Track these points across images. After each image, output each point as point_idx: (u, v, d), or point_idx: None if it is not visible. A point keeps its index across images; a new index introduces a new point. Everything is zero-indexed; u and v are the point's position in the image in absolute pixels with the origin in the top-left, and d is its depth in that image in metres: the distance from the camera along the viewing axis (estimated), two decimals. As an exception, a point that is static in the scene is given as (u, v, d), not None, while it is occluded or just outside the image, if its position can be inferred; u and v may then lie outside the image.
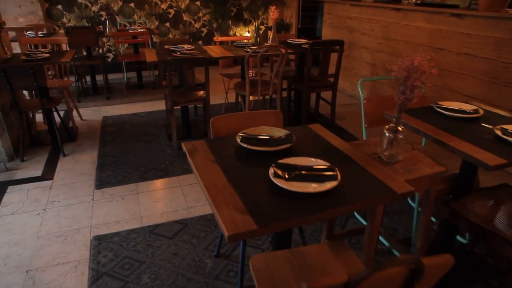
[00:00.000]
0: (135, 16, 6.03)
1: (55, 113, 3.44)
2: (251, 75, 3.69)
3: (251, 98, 3.46)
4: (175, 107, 3.21)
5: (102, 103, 4.67)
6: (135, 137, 3.64)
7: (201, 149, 1.47)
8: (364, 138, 2.26)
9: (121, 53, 5.42)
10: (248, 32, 6.83)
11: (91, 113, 4.31)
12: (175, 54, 3.23)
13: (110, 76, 5.73)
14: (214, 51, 3.50)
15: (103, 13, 5.84)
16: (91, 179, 2.89)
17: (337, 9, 5.11)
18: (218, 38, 4.04)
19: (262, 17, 6.86)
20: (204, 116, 3.42)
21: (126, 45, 5.52)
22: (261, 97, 3.51)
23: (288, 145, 1.46)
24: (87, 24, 5.83)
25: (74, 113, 4.14)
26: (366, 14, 4.53)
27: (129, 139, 3.58)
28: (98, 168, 3.03)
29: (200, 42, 6.53)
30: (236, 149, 1.48)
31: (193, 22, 6.37)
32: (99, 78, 5.29)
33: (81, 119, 4.11)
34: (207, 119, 3.33)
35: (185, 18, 6.31)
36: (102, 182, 2.84)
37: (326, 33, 5.44)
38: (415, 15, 3.78)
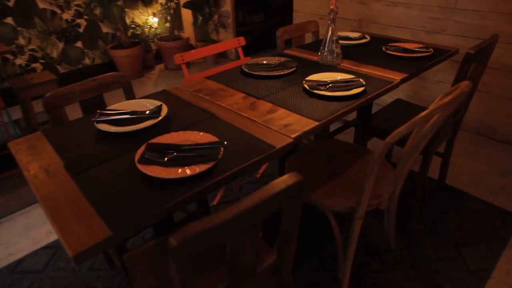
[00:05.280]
0: None
1: None
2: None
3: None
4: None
5: None
6: None
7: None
8: None
9: None
10: (154, 15, 4.31)
11: None
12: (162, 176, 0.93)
13: None
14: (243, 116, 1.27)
15: None
16: None
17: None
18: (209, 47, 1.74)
19: (171, -11, 4.39)
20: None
21: None
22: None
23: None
24: None
25: None
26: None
27: None
28: None
29: (79, 44, 3.77)
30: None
31: (58, 12, 3.56)
32: None
33: None
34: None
35: (42, 5, 3.45)
36: None
37: (302, 7, 3.44)
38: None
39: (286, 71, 1.54)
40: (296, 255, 1.70)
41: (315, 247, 1.76)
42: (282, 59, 1.69)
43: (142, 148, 1.00)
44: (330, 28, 1.60)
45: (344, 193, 1.33)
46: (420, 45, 1.82)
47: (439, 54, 1.74)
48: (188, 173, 0.89)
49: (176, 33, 4.44)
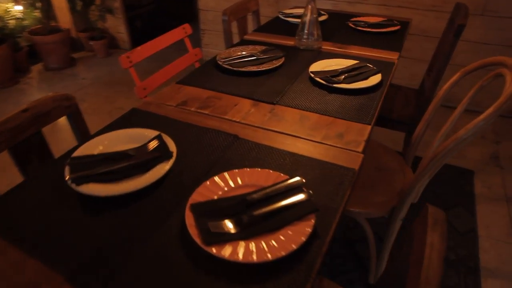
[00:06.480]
0: None
1: None
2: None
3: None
4: None
5: None
6: None
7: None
8: None
9: None
10: (16, 2, 3.38)
11: None
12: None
13: None
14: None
15: None
16: None
17: None
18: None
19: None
20: None
21: None
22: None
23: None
24: None
25: None
26: None
27: None
28: None
29: None
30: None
31: None
32: None
33: None
34: None
35: None
36: None
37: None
38: None
39: (276, 63, 1.28)
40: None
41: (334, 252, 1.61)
42: (258, 47, 1.41)
43: (190, 216, 0.65)
44: (310, 7, 1.39)
45: (378, 197, 1.19)
46: (382, 18, 1.75)
47: (404, 27, 1.70)
48: (294, 245, 0.60)
49: (53, 23, 3.60)
